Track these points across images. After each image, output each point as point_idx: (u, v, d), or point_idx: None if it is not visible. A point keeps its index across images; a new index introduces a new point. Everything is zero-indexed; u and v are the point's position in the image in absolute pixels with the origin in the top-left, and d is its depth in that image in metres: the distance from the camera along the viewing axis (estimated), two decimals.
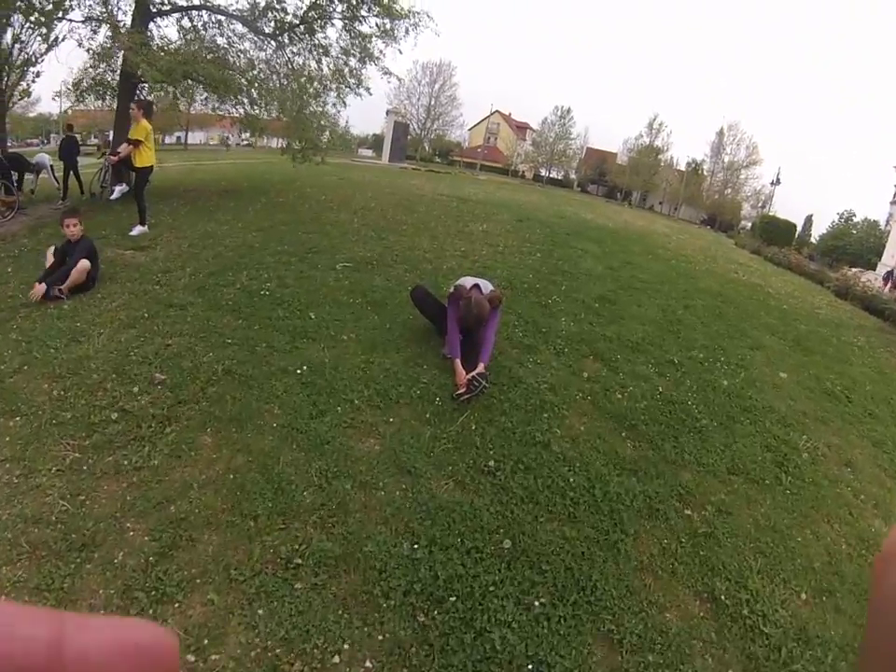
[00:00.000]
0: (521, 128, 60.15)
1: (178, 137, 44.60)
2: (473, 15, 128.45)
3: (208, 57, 9.51)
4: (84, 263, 4.50)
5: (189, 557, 2.04)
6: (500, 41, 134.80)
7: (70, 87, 10.20)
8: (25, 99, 12.54)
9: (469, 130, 62.24)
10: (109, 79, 10.12)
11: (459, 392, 3.31)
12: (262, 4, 10.37)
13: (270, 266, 5.31)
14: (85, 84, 10.10)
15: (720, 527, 2.69)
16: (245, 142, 47.03)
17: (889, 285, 15.85)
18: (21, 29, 9.56)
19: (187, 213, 7.99)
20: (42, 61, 10.30)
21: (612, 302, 6.07)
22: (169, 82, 9.38)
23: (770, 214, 34.85)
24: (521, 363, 4.00)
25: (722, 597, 2.30)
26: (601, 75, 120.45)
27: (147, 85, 9.99)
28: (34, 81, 10.79)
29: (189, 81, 9.81)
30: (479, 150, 54.72)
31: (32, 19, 8.50)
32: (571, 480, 2.68)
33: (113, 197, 7.15)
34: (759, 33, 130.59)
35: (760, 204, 48.42)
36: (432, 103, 51.10)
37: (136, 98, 9.39)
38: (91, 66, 9.94)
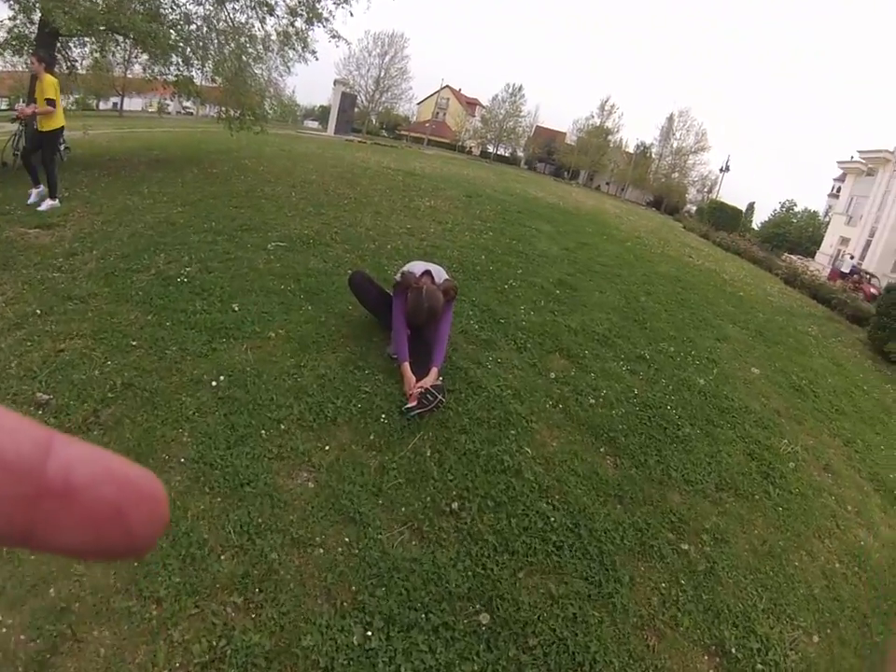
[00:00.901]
0: (471, 104, 59.19)
1: (115, 103, 40.90)
2: None
3: (138, 8, 8.37)
4: None
5: (75, 666, 1.45)
6: (454, 15, 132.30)
7: None
8: None
9: (419, 104, 60.69)
10: (27, 32, 8.80)
11: (409, 406, 2.73)
12: None
13: (193, 246, 4.59)
14: (0, 38, 8.74)
15: (718, 561, 2.35)
16: (186, 110, 43.92)
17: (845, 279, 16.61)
18: None
19: (107, 185, 7.01)
20: None
21: (573, 288, 5.71)
22: (89, 34, 8.22)
23: (717, 199, 35.75)
24: (479, 363, 3.51)
25: (733, 650, 1.97)
26: (555, 55, 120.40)
27: (66, 39, 8.76)
28: None
29: (118, 36, 8.65)
30: (427, 125, 53.57)
31: None
32: (551, 518, 2.23)
33: (30, 202, 5.98)
34: (716, 25, 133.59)
35: (706, 189, 49.73)
36: (382, 74, 49.15)
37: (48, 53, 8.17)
38: (9, 18, 8.61)
